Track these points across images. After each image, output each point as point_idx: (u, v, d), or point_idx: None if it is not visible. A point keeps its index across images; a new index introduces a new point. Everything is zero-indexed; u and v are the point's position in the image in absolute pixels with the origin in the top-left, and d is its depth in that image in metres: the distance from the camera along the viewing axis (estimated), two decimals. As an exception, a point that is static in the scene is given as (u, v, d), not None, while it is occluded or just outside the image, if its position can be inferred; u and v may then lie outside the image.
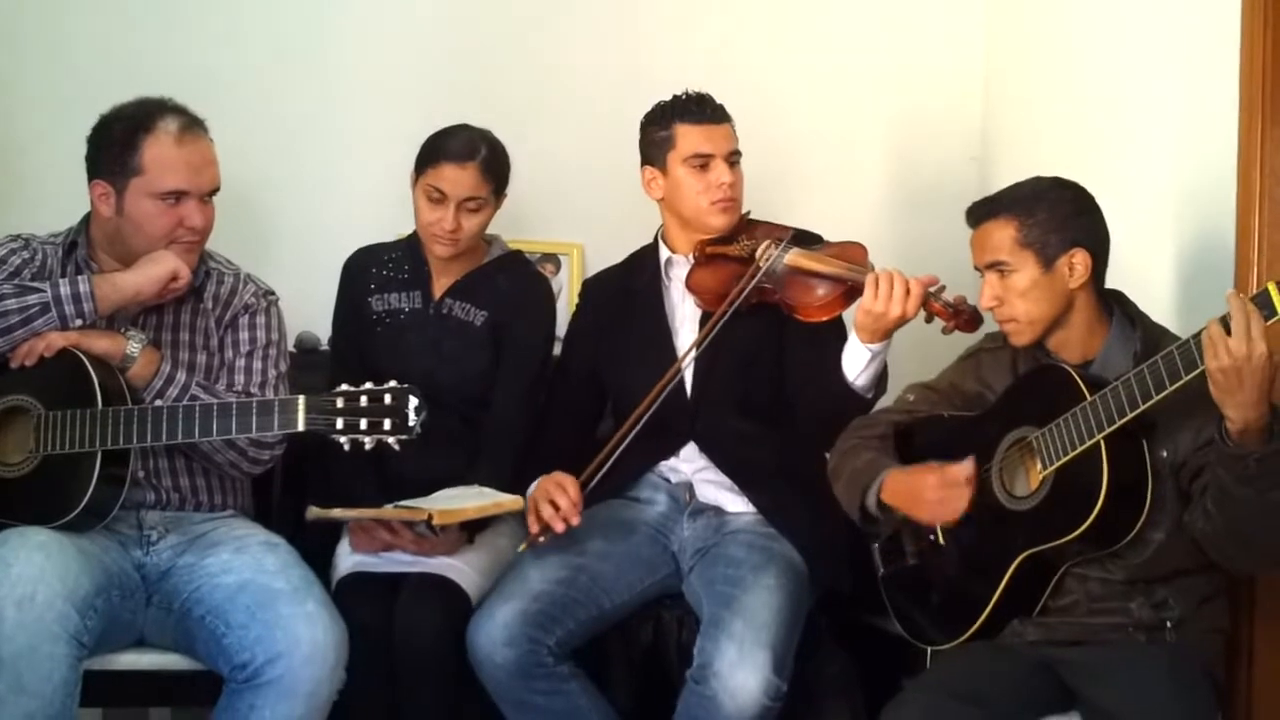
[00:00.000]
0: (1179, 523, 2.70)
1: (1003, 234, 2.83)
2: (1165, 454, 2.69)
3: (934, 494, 2.84)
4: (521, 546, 3.17)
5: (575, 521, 3.10)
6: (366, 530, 3.20)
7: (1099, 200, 2.89)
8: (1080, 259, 2.80)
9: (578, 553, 3.20)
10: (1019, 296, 2.82)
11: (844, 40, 4.24)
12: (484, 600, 3.14)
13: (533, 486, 3.19)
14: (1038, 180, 2.88)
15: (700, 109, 3.31)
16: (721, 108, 3.34)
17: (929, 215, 4.04)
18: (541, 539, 3.13)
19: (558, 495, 3.11)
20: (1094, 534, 2.65)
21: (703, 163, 3.29)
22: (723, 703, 2.89)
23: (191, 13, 3.89)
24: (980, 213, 2.88)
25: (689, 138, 3.30)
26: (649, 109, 3.38)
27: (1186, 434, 2.68)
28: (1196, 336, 2.49)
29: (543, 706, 3.05)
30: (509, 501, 3.12)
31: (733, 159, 3.32)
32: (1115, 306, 2.87)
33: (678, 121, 3.32)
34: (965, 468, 2.80)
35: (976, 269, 2.89)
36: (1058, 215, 2.81)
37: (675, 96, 3.35)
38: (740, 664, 2.90)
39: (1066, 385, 2.71)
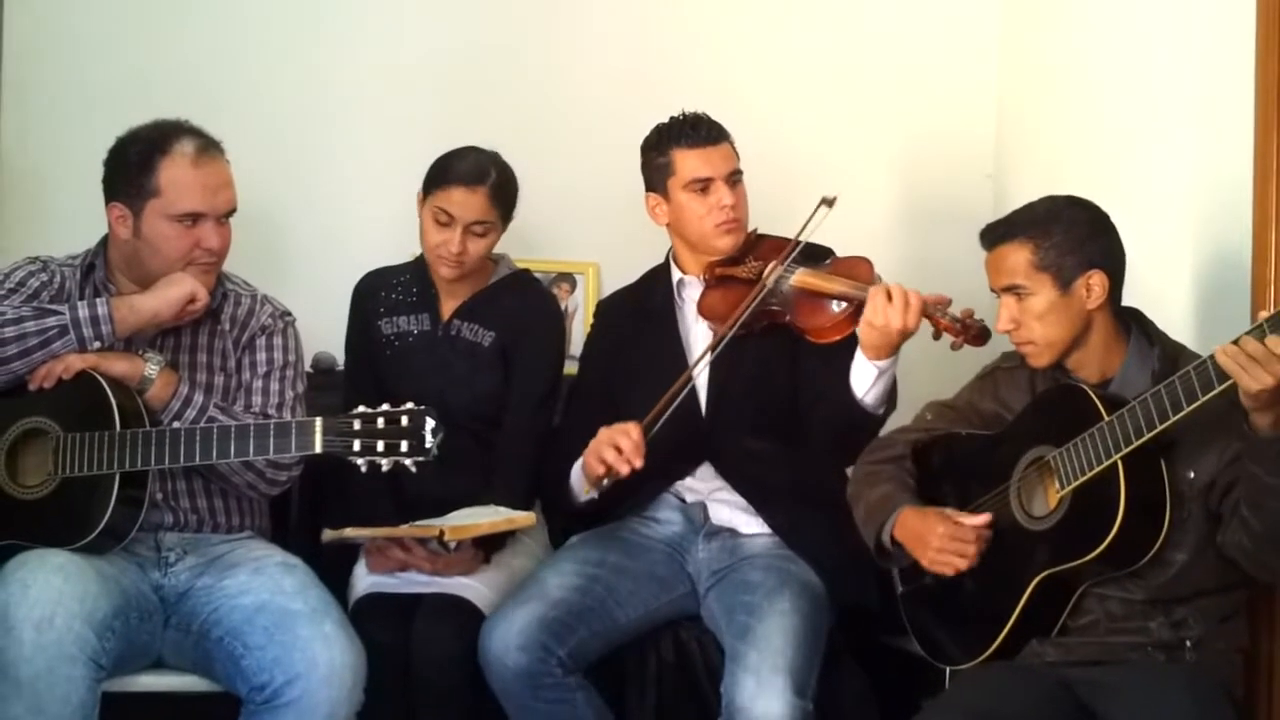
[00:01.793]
0: (1203, 544, 2.69)
1: (1018, 257, 2.82)
2: (1192, 475, 2.68)
3: (939, 543, 2.84)
4: (585, 489, 3.18)
5: (638, 464, 3.09)
6: (382, 550, 3.20)
7: (1115, 218, 2.88)
8: (1098, 280, 2.79)
9: (595, 563, 3.21)
10: (1036, 319, 2.81)
11: (857, 58, 4.24)
12: (500, 605, 3.14)
13: (578, 464, 3.20)
14: (1052, 200, 2.87)
15: (696, 132, 3.29)
16: (718, 126, 3.32)
17: (943, 233, 4.04)
18: (605, 482, 3.14)
19: (620, 438, 3.10)
20: (1112, 554, 2.64)
21: (703, 186, 3.28)
22: None
23: (207, 36, 3.91)
24: (995, 235, 2.87)
25: (687, 162, 3.29)
26: (646, 134, 3.37)
27: (1212, 454, 2.67)
28: (1214, 356, 2.48)
29: (546, 713, 3.05)
30: (521, 518, 3.12)
31: (733, 179, 3.31)
32: (1133, 325, 2.86)
33: (674, 147, 3.30)
34: (977, 521, 2.82)
35: (993, 291, 2.89)
36: (1074, 237, 2.80)
37: (671, 119, 3.33)
38: (760, 694, 2.89)
39: (1084, 405, 2.70)
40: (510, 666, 3.01)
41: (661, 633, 3.23)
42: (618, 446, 3.09)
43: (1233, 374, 2.45)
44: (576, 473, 3.25)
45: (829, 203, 3.19)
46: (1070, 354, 2.84)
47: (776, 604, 3.05)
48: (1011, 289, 2.83)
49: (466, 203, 3.30)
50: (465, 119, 3.74)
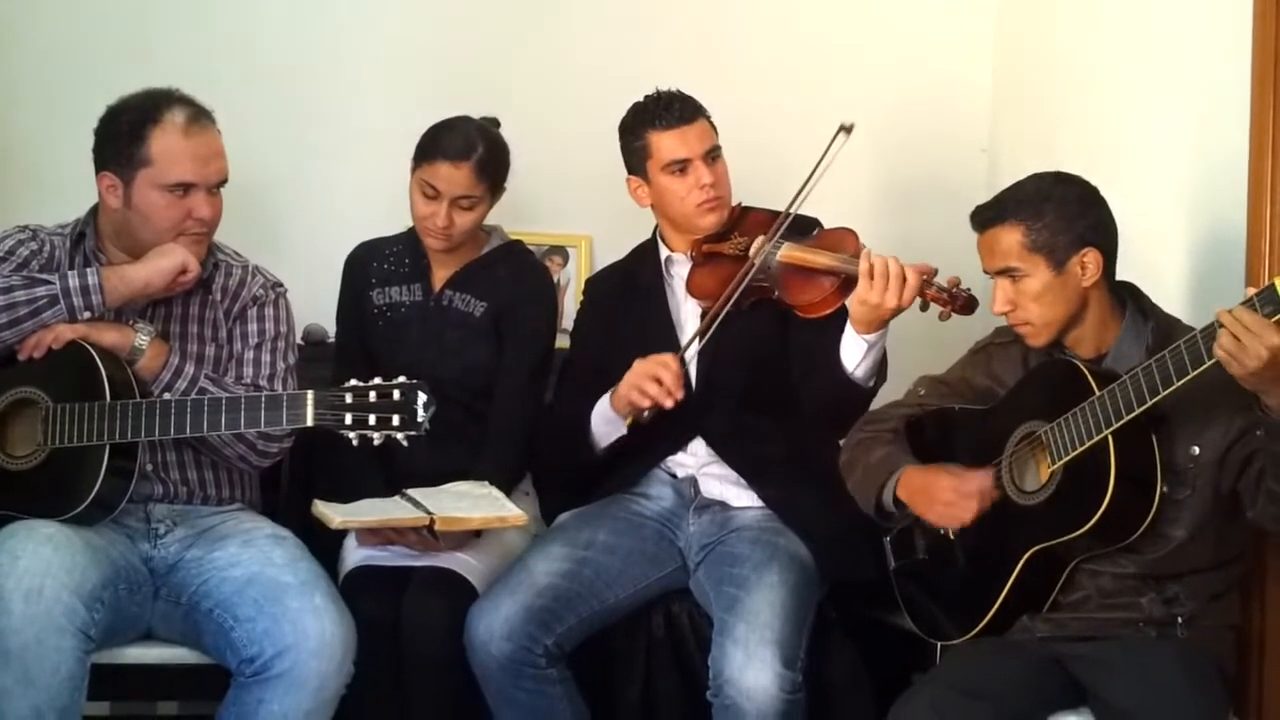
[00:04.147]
0: (1204, 521, 2.69)
1: (1011, 239, 2.80)
2: (1196, 450, 2.68)
3: (946, 496, 2.84)
4: (627, 420, 3.19)
5: (680, 395, 3.11)
6: (371, 529, 3.19)
7: (1110, 192, 2.86)
8: (1091, 258, 2.78)
9: (584, 545, 3.20)
10: (1033, 300, 2.80)
11: (850, 30, 4.22)
12: (489, 589, 3.14)
13: (604, 400, 3.21)
14: (1040, 178, 2.85)
15: (670, 112, 3.27)
16: (692, 103, 3.29)
17: (938, 208, 4.03)
18: (646, 414, 3.16)
19: (660, 370, 3.11)
20: (1102, 530, 2.64)
21: (681, 167, 3.26)
22: (742, 708, 2.89)
23: (198, 6, 3.89)
24: (985, 217, 2.85)
25: (663, 144, 3.27)
26: (622, 116, 3.35)
27: (1216, 429, 2.67)
28: (1206, 330, 2.47)
29: (524, 703, 3.06)
30: (513, 517, 3.10)
31: (712, 156, 3.28)
32: (1128, 299, 2.85)
33: (649, 129, 3.28)
34: (981, 478, 2.81)
35: (986, 273, 2.87)
36: (1065, 215, 2.79)
37: (645, 99, 3.31)
38: (748, 665, 2.90)
39: (1075, 379, 2.70)
40: (494, 655, 3.01)
41: (653, 607, 3.23)
42: (658, 378, 3.10)
43: (1225, 362, 2.44)
44: (603, 410, 3.23)
45: (847, 130, 3.16)
46: (1068, 332, 2.83)
47: (765, 577, 3.05)
48: (1006, 271, 2.82)
49: (452, 178, 3.28)
50: (459, 91, 3.72)
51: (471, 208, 3.32)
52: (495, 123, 3.40)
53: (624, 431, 3.21)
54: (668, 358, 3.14)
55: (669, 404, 3.12)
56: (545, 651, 3.05)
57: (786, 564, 3.10)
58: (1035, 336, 2.84)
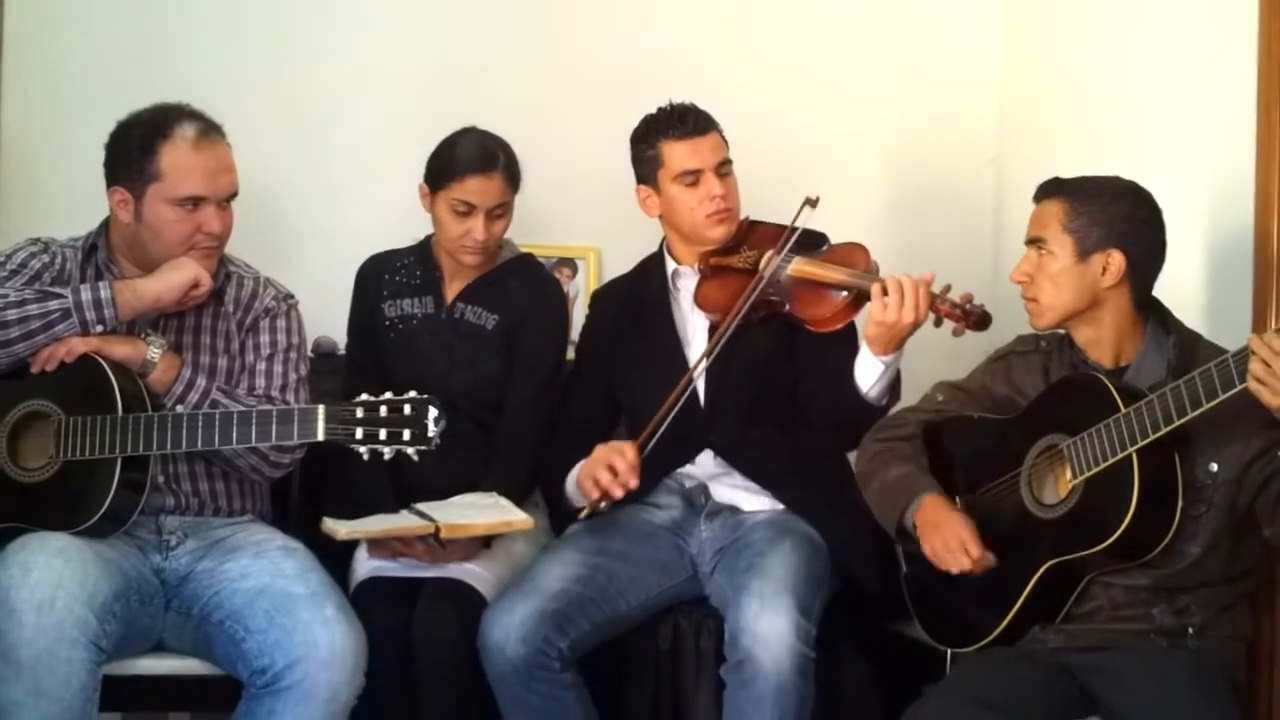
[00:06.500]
0: (1219, 537, 2.70)
1: (1053, 213, 2.84)
2: (1215, 467, 2.68)
3: (952, 542, 2.84)
4: (583, 514, 3.19)
5: (633, 484, 3.11)
6: (379, 541, 3.20)
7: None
8: (1115, 261, 2.79)
9: (597, 551, 3.21)
10: (1048, 278, 2.83)
11: (857, 41, 4.23)
12: (503, 593, 3.14)
13: (575, 470, 3.22)
14: (1115, 178, 2.88)
15: (684, 123, 3.29)
16: (705, 116, 3.32)
17: (946, 219, 4.04)
18: (602, 505, 3.15)
19: (615, 459, 3.12)
20: (1121, 547, 2.64)
21: (693, 178, 3.28)
22: (758, 657, 2.90)
23: (208, 20, 3.90)
24: (1045, 190, 2.89)
25: (676, 154, 3.29)
26: (635, 127, 3.37)
27: (1236, 446, 2.67)
28: (1238, 354, 2.48)
29: (537, 707, 3.06)
30: (519, 521, 3.11)
31: (723, 169, 3.30)
32: (1150, 314, 2.86)
33: (662, 139, 3.30)
34: (985, 557, 2.81)
35: (1026, 245, 2.89)
36: (1111, 213, 2.80)
37: (659, 110, 3.33)
38: (764, 612, 2.91)
39: (1101, 395, 2.69)
40: (509, 657, 3.02)
41: (661, 620, 3.23)
42: (612, 467, 3.11)
43: (1255, 390, 2.45)
44: (572, 485, 3.26)
45: (812, 203, 3.22)
46: (1078, 329, 2.85)
47: (779, 546, 3.09)
48: (1036, 241, 2.85)
49: (486, 190, 3.30)
50: (467, 103, 3.72)
51: (504, 214, 3.35)
52: (494, 136, 3.41)
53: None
54: (625, 446, 3.14)
55: (619, 494, 3.12)
56: (559, 655, 3.05)
57: (800, 540, 3.14)
58: (1038, 316, 2.87)
